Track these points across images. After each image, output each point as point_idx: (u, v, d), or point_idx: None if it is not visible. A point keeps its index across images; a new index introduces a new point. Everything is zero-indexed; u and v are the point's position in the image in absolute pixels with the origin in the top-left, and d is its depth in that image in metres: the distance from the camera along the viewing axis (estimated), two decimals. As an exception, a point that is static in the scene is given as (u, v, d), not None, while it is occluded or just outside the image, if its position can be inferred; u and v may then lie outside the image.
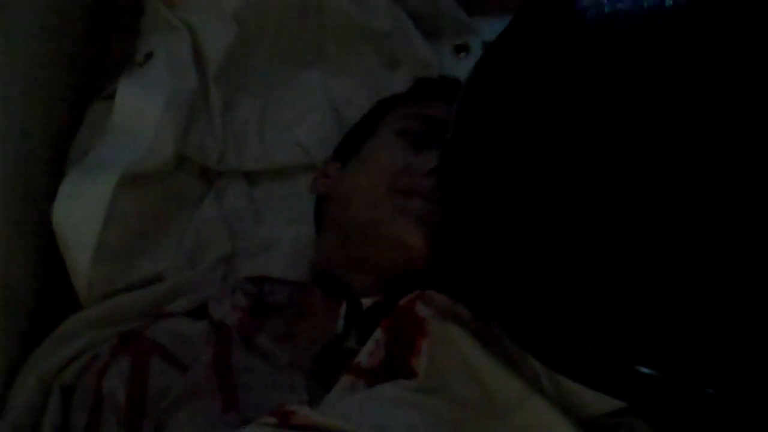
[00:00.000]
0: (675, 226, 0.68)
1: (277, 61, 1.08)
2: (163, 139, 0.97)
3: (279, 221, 1.02)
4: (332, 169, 0.93)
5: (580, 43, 0.77)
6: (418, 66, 1.08)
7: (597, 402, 0.69)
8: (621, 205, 0.69)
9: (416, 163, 0.83)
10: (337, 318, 0.80)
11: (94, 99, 1.05)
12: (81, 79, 1.06)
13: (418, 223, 0.80)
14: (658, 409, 0.68)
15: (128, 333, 0.86)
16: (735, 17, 0.73)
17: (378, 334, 0.75)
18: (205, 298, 0.90)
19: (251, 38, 1.07)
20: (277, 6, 1.07)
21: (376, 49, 1.09)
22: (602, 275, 0.67)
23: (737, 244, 0.67)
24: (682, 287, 0.66)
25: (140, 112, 0.98)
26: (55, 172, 0.97)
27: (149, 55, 1.04)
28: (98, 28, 1.10)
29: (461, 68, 1.04)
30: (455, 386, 0.72)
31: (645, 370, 0.64)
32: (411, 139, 0.86)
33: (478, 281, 0.72)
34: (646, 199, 0.69)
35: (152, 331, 0.86)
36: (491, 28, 1.01)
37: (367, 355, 0.74)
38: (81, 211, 0.92)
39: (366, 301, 0.80)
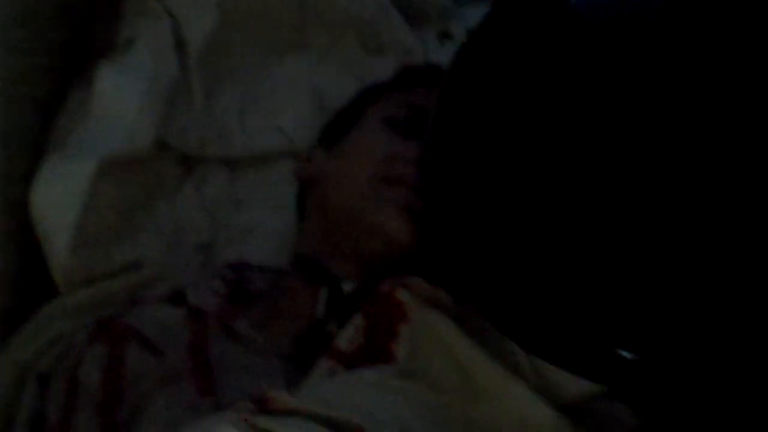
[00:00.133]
0: (654, 207, 0.67)
1: (260, 47, 1.08)
2: (143, 125, 0.97)
3: (260, 208, 1.02)
4: (316, 155, 0.93)
5: (564, 29, 0.76)
6: (402, 53, 1.07)
7: (577, 386, 0.69)
8: (600, 190, 0.69)
9: (402, 152, 0.82)
10: (318, 303, 0.80)
11: (74, 84, 1.04)
12: (60, 64, 1.05)
13: (402, 213, 0.79)
14: (639, 392, 0.68)
15: (105, 319, 0.86)
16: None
17: (358, 318, 0.74)
18: (184, 284, 0.90)
19: (233, 24, 1.06)
20: (260, -8, 1.07)
21: (359, 36, 1.09)
22: (582, 260, 0.67)
23: (717, 228, 0.66)
24: (662, 271, 0.66)
25: (120, 98, 0.98)
26: (33, 157, 0.96)
27: (130, 41, 1.03)
28: (77, 13, 1.09)
29: (445, 55, 1.03)
30: (435, 371, 0.71)
31: (625, 354, 0.64)
32: (397, 127, 0.86)
33: (458, 266, 0.72)
34: (624, 185, 0.68)
35: (129, 318, 0.85)
36: (475, 14, 1.00)
37: (346, 339, 0.74)
38: (59, 197, 0.91)
39: (347, 287, 0.80)
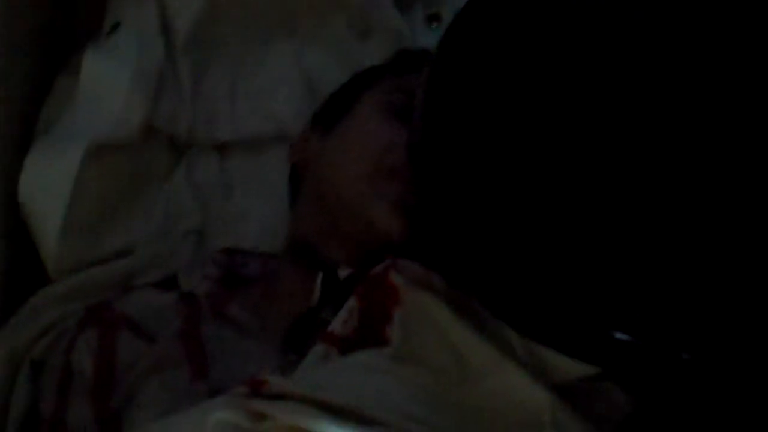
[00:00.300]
0: (646, 187, 0.67)
1: (248, 31, 1.07)
2: (131, 110, 0.96)
3: (250, 194, 1.01)
4: (311, 137, 0.92)
5: (552, 9, 0.76)
6: (391, 36, 1.07)
7: (571, 367, 0.69)
8: (591, 171, 0.69)
9: (398, 139, 0.82)
10: (313, 288, 0.80)
11: (61, 70, 1.03)
12: (47, 50, 1.05)
13: (395, 209, 0.79)
14: (634, 374, 0.68)
15: (96, 305, 0.85)
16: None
17: (351, 302, 0.74)
18: (175, 270, 0.89)
19: (221, 8, 1.05)
20: (248, -25, 1.06)
21: (347, 19, 1.08)
22: (575, 242, 0.67)
23: (710, 208, 0.67)
24: (657, 252, 0.66)
25: (107, 83, 0.97)
26: (21, 144, 0.95)
27: (116, 26, 1.02)
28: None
29: (434, 38, 1.03)
30: (429, 354, 0.71)
31: (620, 335, 0.64)
32: (393, 113, 0.85)
33: (450, 250, 0.72)
34: (616, 165, 0.68)
35: (120, 303, 0.85)
36: (464, -2, 1.00)
37: (340, 323, 0.74)
38: (48, 183, 0.91)
39: (342, 272, 0.80)
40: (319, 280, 0.80)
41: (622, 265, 0.66)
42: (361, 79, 0.94)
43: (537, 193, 0.69)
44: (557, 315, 0.65)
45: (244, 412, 0.64)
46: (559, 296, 0.66)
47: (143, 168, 0.98)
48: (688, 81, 0.71)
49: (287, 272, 0.85)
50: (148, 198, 0.98)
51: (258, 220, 0.99)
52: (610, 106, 0.71)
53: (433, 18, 1.11)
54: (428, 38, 1.06)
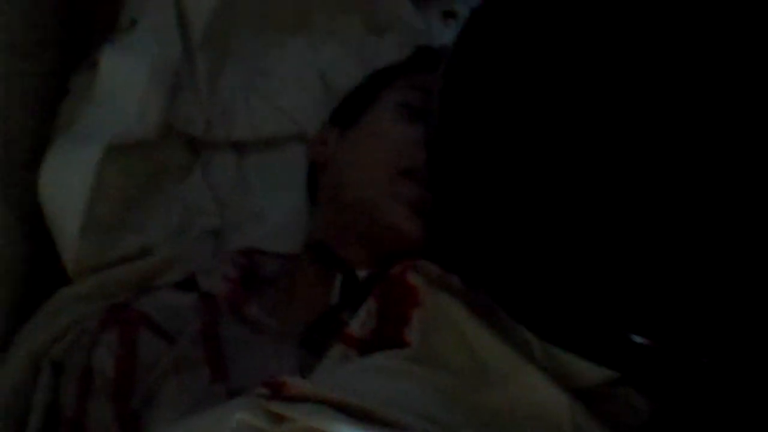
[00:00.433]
0: (666, 190, 0.67)
1: (263, 28, 1.07)
2: (149, 109, 0.96)
3: (268, 192, 1.01)
4: (330, 135, 0.92)
5: (569, 5, 0.76)
6: (406, 33, 1.07)
7: (590, 372, 0.69)
8: (611, 173, 0.68)
9: (416, 138, 0.81)
10: (332, 289, 0.80)
11: (78, 68, 1.03)
12: (65, 48, 1.05)
13: (414, 210, 0.79)
14: (652, 378, 0.68)
15: (116, 305, 0.85)
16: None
17: (370, 303, 0.74)
18: (194, 270, 0.90)
19: (237, 5, 1.05)
20: (263, -28, 1.06)
21: (363, 15, 1.08)
22: (594, 245, 0.67)
23: (729, 214, 0.66)
24: (675, 257, 0.66)
25: (125, 81, 0.97)
26: (40, 143, 0.95)
27: (133, 22, 1.02)
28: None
29: (449, 35, 1.03)
30: (448, 356, 0.72)
31: (638, 339, 0.64)
32: (412, 112, 0.85)
33: (469, 251, 0.72)
34: (635, 169, 0.68)
35: (140, 304, 0.85)
36: (479, -6, 1.00)
37: (359, 324, 0.74)
38: (67, 183, 0.91)
39: (361, 273, 0.80)
40: (338, 281, 0.80)
41: (641, 269, 0.65)
42: (379, 78, 0.94)
43: (555, 194, 0.69)
44: (576, 318, 0.66)
45: (264, 413, 0.64)
46: (578, 300, 0.66)
47: (160, 167, 0.99)
48: (701, 88, 0.71)
49: (306, 273, 0.85)
50: (166, 197, 0.98)
51: (275, 219, 0.99)
52: (628, 105, 0.71)
53: (448, 14, 1.11)
54: (444, 35, 1.06)
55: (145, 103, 0.96)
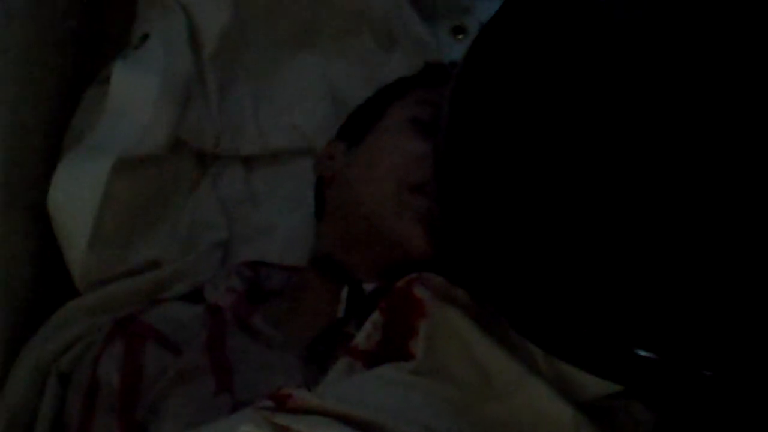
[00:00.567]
0: (672, 206, 0.67)
1: (273, 42, 1.07)
2: (159, 123, 0.96)
3: (276, 206, 1.01)
4: (337, 150, 0.92)
5: (577, 22, 0.76)
6: (416, 48, 1.07)
7: (595, 385, 0.69)
8: (617, 190, 0.69)
9: (425, 153, 0.81)
10: (338, 302, 0.80)
11: (90, 83, 1.04)
12: (76, 63, 1.06)
13: (423, 224, 0.80)
14: (656, 392, 0.68)
15: (123, 318, 0.86)
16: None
17: (376, 315, 0.74)
18: (201, 282, 0.90)
19: (247, 19, 1.06)
20: (274, -13, 1.07)
21: (372, 30, 1.08)
22: (598, 259, 0.67)
23: (732, 225, 0.66)
24: (679, 270, 0.66)
25: (135, 96, 0.97)
26: (50, 156, 0.96)
27: (144, 37, 1.03)
28: (94, 11, 1.09)
29: (459, 50, 1.04)
30: (453, 368, 0.72)
31: (642, 352, 0.64)
32: (421, 127, 0.85)
33: (475, 265, 0.72)
34: (642, 186, 0.68)
35: (147, 316, 0.85)
36: (489, 9, 1.00)
37: (364, 336, 0.74)
38: (77, 196, 0.91)
39: (368, 286, 0.80)
40: (344, 294, 0.80)
41: (645, 283, 0.66)
42: (388, 93, 0.94)
43: (562, 210, 0.69)
44: (581, 332, 0.65)
45: (269, 425, 0.64)
46: (582, 313, 0.66)
47: (170, 180, 0.99)
48: (717, 97, 0.71)
49: (312, 285, 0.85)
50: (175, 210, 0.98)
51: (283, 233, 0.99)
52: (644, 122, 0.71)
53: (458, 30, 1.11)
54: (454, 50, 1.06)
55: (155, 117, 0.96)
